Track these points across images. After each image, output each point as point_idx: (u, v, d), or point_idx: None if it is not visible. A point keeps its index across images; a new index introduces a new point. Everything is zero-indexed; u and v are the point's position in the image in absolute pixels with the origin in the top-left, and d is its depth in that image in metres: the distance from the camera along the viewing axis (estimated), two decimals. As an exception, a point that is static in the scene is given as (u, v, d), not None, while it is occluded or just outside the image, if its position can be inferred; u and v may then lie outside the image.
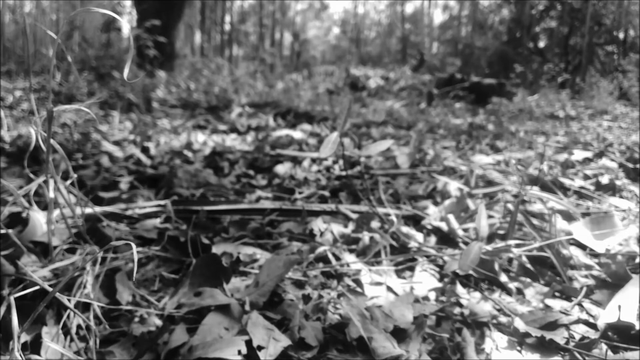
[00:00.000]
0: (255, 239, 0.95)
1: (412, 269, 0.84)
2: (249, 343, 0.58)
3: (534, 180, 1.25)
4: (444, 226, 0.99)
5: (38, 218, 0.84)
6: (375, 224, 1.00)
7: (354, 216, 1.05)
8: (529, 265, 0.84)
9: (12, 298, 0.46)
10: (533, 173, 1.36)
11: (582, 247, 0.90)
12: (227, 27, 13.77)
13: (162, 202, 1.09)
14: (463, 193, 1.20)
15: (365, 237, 0.93)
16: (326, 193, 1.28)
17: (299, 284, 0.77)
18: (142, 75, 3.61)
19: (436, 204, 1.18)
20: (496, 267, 0.80)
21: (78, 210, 0.86)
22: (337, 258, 0.86)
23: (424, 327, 0.63)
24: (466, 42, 8.37)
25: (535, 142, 2.00)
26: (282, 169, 1.54)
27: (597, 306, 0.72)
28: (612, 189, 1.28)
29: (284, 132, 2.47)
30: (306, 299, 0.72)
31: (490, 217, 1.02)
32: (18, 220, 0.89)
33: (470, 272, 0.78)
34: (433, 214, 1.06)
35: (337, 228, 0.99)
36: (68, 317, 0.63)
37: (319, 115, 3.14)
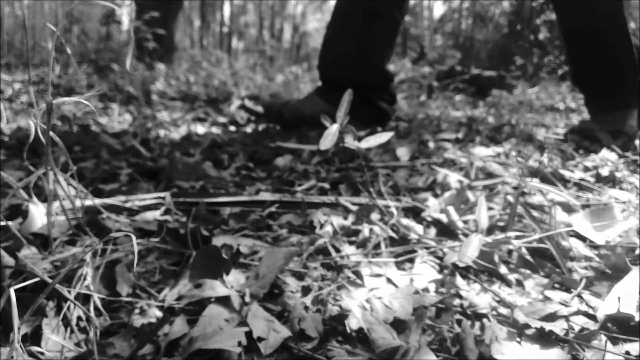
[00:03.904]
0: (255, 231, 0.95)
1: (412, 260, 0.84)
2: (249, 334, 0.58)
3: (534, 172, 1.25)
4: (443, 218, 0.99)
5: (38, 210, 0.84)
6: (375, 216, 1.00)
7: (354, 208, 1.05)
8: (528, 257, 0.84)
9: (12, 290, 0.46)
10: (533, 165, 1.36)
11: (581, 238, 0.90)
12: (226, 17, 13.72)
13: (161, 195, 1.09)
14: (463, 185, 1.19)
15: (365, 229, 0.93)
16: (326, 185, 1.28)
17: (299, 276, 0.77)
18: (142, 67, 3.60)
19: (436, 196, 1.18)
20: (496, 258, 0.80)
21: (78, 203, 0.86)
22: (337, 250, 0.86)
23: (424, 318, 0.63)
24: (466, 34, 8.34)
25: (535, 134, 2.00)
26: (281, 161, 1.54)
27: (596, 298, 0.72)
28: (612, 181, 1.28)
29: (283, 124, 2.46)
30: (306, 290, 0.72)
31: (490, 209, 1.02)
32: (18, 213, 0.89)
33: (470, 263, 0.78)
34: (433, 206, 1.06)
35: (337, 220, 0.99)
36: (68, 308, 0.64)
37: (319, 108, 3.13)
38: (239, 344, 0.56)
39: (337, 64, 2.17)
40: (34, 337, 0.59)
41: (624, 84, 1.79)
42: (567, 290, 0.75)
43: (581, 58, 1.86)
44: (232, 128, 2.21)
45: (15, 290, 0.46)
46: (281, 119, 2.15)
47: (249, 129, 2.26)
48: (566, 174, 1.31)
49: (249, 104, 2.22)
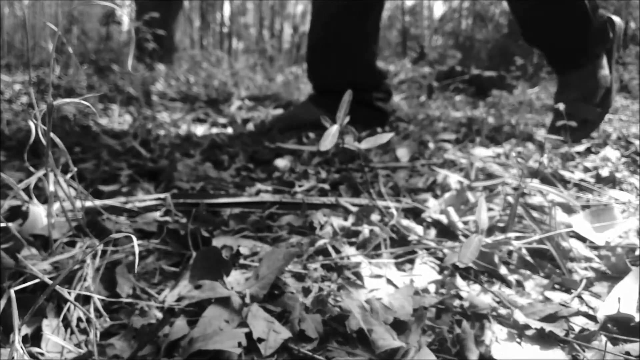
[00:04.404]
0: (255, 232, 0.95)
1: (412, 261, 0.84)
2: (249, 335, 0.58)
3: (534, 172, 1.25)
4: (443, 219, 0.99)
5: (38, 211, 0.84)
6: (375, 216, 1.00)
7: (354, 209, 1.05)
8: (528, 258, 0.84)
9: (12, 291, 0.46)
10: (533, 166, 1.36)
11: (581, 239, 0.90)
12: (226, 17, 13.70)
13: (161, 196, 1.09)
14: (463, 186, 1.19)
15: (365, 230, 0.93)
16: (326, 186, 1.28)
17: (299, 277, 0.77)
18: (142, 68, 3.60)
19: (436, 197, 1.18)
20: (496, 259, 0.80)
21: (78, 204, 0.86)
22: (337, 251, 0.86)
23: (424, 319, 0.63)
24: (466, 34, 8.35)
25: (535, 134, 2.00)
26: (281, 162, 1.54)
27: (596, 298, 0.72)
28: (612, 182, 1.28)
29: (283, 125, 2.45)
30: (306, 291, 0.72)
31: (490, 209, 1.02)
32: (18, 214, 0.89)
33: (470, 264, 0.78)
34: (433, 207, 1.06)
35: (337, 221, 0.99)
36: (68, 310, 0.64)
37: (319, 108, 3.13)
38: (239, 344, 0.56)
39: (326, 69, 2.14)
40: (34, 338, 0.59)
41: (581, 35, 1.60)
42: (567, 291, 0.75)
43: (527, 12, 1.70)
44: (229, 130, 2.21)
45: (16, 291, 0.46)
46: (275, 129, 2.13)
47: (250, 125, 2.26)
48: (566, 174, 1.31)
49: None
